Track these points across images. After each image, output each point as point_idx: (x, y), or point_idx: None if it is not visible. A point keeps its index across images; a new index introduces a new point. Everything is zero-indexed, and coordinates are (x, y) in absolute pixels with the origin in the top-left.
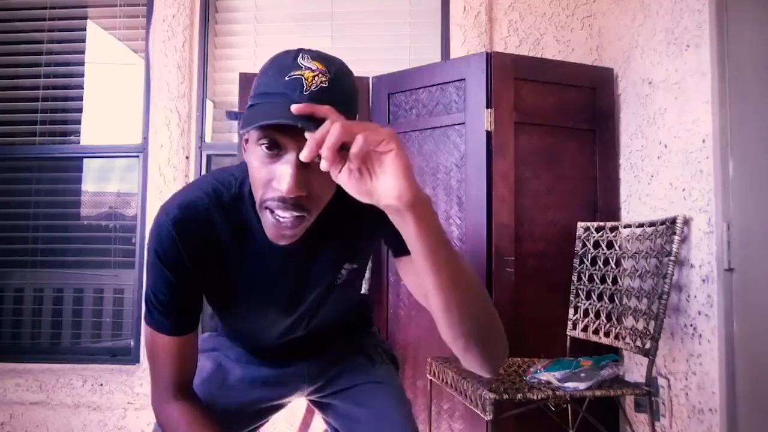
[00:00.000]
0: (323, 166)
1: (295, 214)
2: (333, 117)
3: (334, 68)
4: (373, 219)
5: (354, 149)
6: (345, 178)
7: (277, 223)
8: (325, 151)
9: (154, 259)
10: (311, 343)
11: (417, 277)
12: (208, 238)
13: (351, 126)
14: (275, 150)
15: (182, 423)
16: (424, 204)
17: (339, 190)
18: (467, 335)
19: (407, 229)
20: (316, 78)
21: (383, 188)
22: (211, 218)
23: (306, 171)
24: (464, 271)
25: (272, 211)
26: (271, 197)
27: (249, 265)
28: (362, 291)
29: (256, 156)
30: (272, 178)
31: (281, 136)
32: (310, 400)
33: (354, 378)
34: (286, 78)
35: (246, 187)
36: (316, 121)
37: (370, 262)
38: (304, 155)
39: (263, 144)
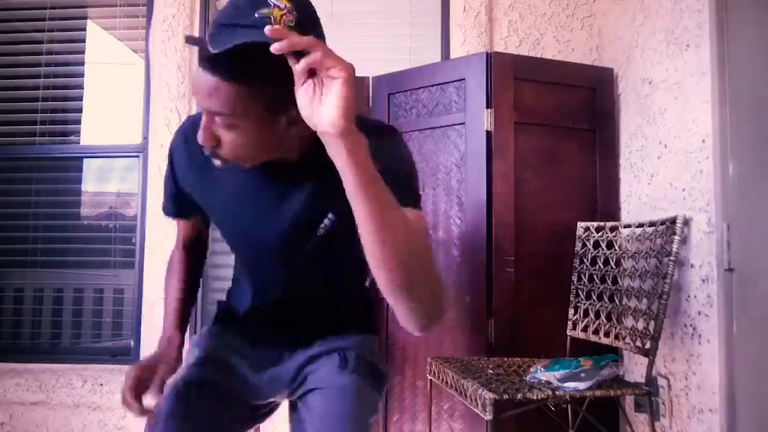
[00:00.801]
0: (275, 47)
1: (218, 158)
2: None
3: (301, 6)
4: None
5: (309, 59)
6: (302, 94)
7: (215, 163)
8: (285, 43)
9: (167, 163)
10: (306, 309)
11: None
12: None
13: (319, 44)
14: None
15: (175, 263)
16: (355, 137)
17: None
18: (398, 286)
19: (340, 161)
20: (285, 17)
21: (322, 113)
22: (189, 145)
23: (216, 126)
24: (397, 216)
25: (211, 157)
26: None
27: (227, 175)
28: (368, 294)
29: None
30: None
31: (197, 98)
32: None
33: (318, 380)
34: (256, 15)
35: None
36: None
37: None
38: (275, 47)
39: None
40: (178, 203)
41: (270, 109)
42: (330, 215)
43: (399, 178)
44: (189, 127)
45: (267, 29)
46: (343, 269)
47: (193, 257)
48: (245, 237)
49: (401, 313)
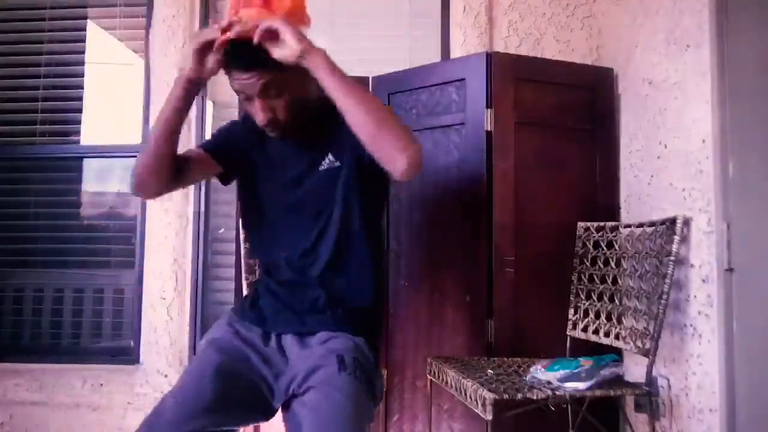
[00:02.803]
0: (254, 41)
1: (274, 126)
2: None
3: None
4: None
5: (257, 33)
6: (278, 53)
7: (270, 134)
8: (256, 38)
9: (239, 120)
10: (302, 282)
11: None
12: (255, 129)
13: (262, 24)
14: (242, 96)
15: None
16: (316, 51)
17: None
18: (379, 127)
19: (318, 73)
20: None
21: (288, 51)
22: (255, 126)
23: (263, 101)
24: (364, 90)
25: (266, 131)
26: (258, 122)
27: (268, 149)
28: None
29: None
30: (252, 114)
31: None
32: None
33: (318, 379)
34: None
35: None
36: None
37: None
38: (232, 34)
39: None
40: (218, 145)
41: (288, 75)
42: (329, 155)
43: None
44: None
45: (232, 34)
46: (343, 210)
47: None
48: (279, 183)
49: (388, 152)
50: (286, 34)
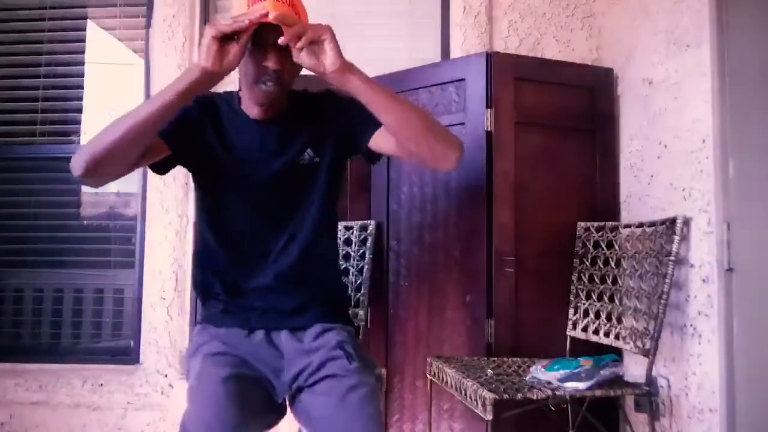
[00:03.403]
0: (297, 46)
1: (276, 85)
2: (298, 23)
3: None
4: (332, 116)
5: (306, 38)
6: (305, 58)
7: (264, 90)
8: (300, 43)
9: (200, 101)
10: (281, 279)
11: (386, 138)
12: (215, 110)
13: (306, 26)
14: (258, 46)
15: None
16: (354, 67)
17: (306, 100)
18: (426, 133)
19: (353, 86)
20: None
21: (325, 63)
22: (218, 102)
23: (281, 53)
24: (405, 100)
25: (264, 84)
26: (262, 73)
27: (231, 132)
28: (336, 248)
29: (245, 57)
30: (260, 61)
31: (263, 31)
32: (289, 400)
33: (324, 370)
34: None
35: (235, 93)
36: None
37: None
38: (282, 41)
39: (250, 45)
40: (175, 129)
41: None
42: (309, 150)
43: (363, 111)
44: (230, 99)
45: (281, 41)
46: (318, 206)
47: None
48: (250, 170)
49: (439, 152)
50: (330, 44)
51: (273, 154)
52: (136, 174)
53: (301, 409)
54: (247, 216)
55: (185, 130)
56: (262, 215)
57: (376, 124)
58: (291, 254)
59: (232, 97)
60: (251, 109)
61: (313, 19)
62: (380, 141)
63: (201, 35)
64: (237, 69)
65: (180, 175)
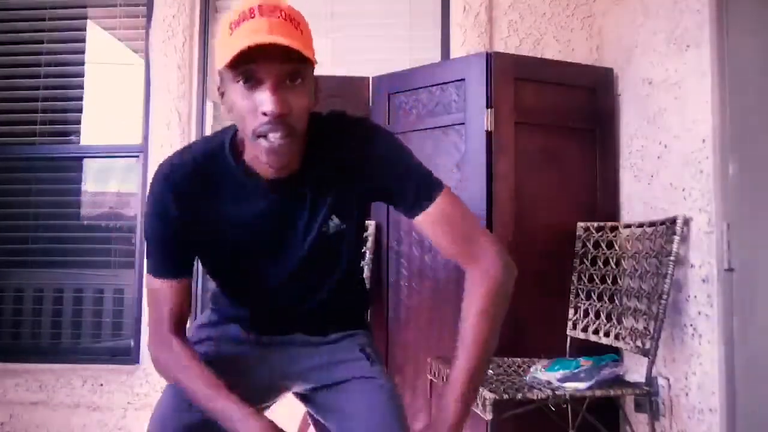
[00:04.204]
0: None
1: (285, 132)
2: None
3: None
4: (366, 176)
5: None
6: None
7: (272, 145)
8: None
9: (148, 212)
10: (307, 317)
11: (438, 232)
12: (194, 186)
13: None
14: (251, 82)
15: (184, 357)
16: (465, 411)
17: (330, 146)
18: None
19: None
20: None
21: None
22: (197, 167)
23: (283, 91)
24: (484, 357)
25: (265, 136)
26: (260, 123)
27: (234, 205)
28: (363, 285)
29: (236, 94)
30: (256, 106)
31: (255, 66)
32: (301, 397)
33: (348, 371)
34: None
35: (228, 138)
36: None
37: (367, 269)
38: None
39: (239, 79)
40: (175, 254)
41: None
42: (334, 218)
43: (415, 178)
44: (194, 160)
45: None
46: (346, 265)
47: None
48: (252, 263)
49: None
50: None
51: (290, 230)
52: (136, 174)
53: (320, 405)
54: (265, 296)
55: (184, 248)
56: (282, 292)
57: (427, 199)
58: (317, 302)
59: (223, 150)
60: (258, 164)
61: (313, 18)
62: (425, 226)
63: (201, 35)
64: (230, 109)
65: None
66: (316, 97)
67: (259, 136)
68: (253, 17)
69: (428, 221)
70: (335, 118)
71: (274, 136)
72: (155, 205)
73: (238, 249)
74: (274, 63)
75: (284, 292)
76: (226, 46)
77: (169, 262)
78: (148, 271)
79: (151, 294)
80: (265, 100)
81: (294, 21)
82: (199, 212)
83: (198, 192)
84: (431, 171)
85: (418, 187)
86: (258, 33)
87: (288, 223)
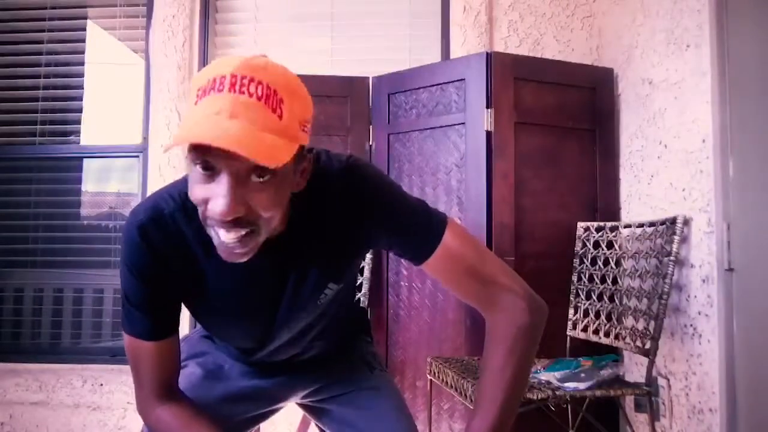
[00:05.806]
0: None
1: (241, 232)
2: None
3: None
4: (361, 236)
5: None
6: None
7: (223, 244)
8: None
9: (123, 267)
10: (306, 361)
11: (448, 274)
12: (174, 243)
13: None
14: (210, 171)
15: (177, 426)
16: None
17: (318, 207)
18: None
19: None
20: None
21: None
22: (177, 222)
23: (243, 188)
24: (520, 384)
25: (224, 245)
26: (211, 217)
27: (217, 271)
28: (359, 302)
29: (194, 176)
30: (209, 197)
31: (211, 158)
32: (302, 405)
33: (351, 383)
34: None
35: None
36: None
37: (368, 269)
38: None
39: (198, 164)
40: (152, 316)
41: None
42: (330, 285)
43: (414, 226)
44: (170, 215)
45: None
46: (345, 319)
47: (196, 410)
48: (241, 330)
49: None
50: None
51: (278, 295)
52: (136, 174)
53: (322, 415)
54: (259, 352)
55: (160, 304)
56: (276, 351)
57: (430, 243)
58: (317, 348)
59: (188, 214)
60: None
61: (313, 18)
62: (435, 273)
63: (201, 35)
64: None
65: (180, 175)
66: (303, 176)
67: (211, 227)
68: (220, 91)
69: (437, 266)
70: (320, 172)
71: (226, 236)
72: (132, 261)
73: (220, 313)
74: (236, 157)
75: (278, 350)
76: (186, 120)
77: (153, 322)
78: (126, 332)
79: (134, 356)
80: (217, 196)
81: (273, 98)
82: (177, 268)
83: (175, 245)
84: (428, 206)
85: (417, 234)
86: (218, 117)
87: (274, 290)
